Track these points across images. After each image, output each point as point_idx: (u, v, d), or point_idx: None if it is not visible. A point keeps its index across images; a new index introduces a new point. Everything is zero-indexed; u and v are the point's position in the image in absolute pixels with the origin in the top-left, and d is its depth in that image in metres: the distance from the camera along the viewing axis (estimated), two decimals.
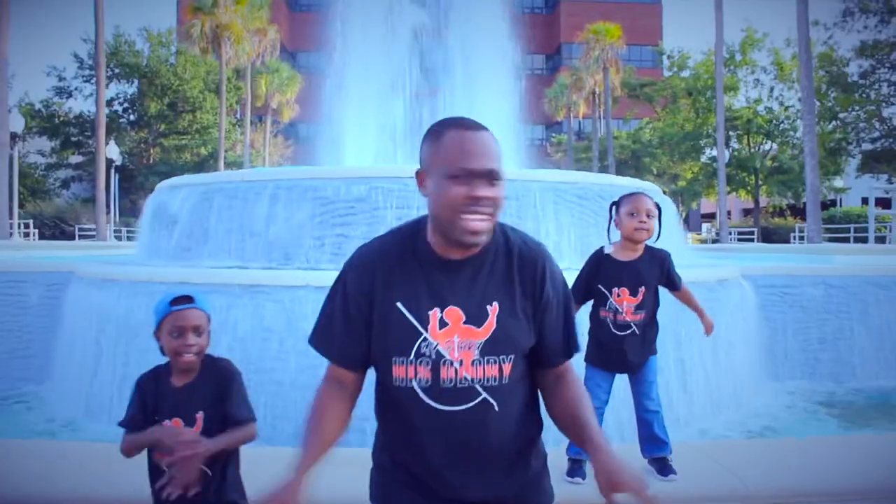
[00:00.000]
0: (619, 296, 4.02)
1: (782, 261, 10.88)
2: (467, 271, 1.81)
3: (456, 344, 1.78)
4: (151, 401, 2.62)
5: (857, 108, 33.55)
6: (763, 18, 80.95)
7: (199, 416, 2.61)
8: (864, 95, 33.11)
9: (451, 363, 1.78)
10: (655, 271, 4.07)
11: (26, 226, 29.01)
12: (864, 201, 41.51)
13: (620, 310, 4.00)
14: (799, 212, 41.34)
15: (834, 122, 34.77)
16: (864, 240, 28.81)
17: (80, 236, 29.96)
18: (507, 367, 1.81)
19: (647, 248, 4.10)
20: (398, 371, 1.81)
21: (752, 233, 35.96)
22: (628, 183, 8.47)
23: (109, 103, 43.09)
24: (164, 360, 2.73)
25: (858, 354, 8.48)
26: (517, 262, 1.84)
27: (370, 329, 1.83)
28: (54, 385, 7.29)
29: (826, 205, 37.72)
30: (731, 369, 6.98)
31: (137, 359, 5.85)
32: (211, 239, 7.23)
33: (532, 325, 1.84)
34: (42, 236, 30.53)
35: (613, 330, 4.04)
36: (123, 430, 2.63)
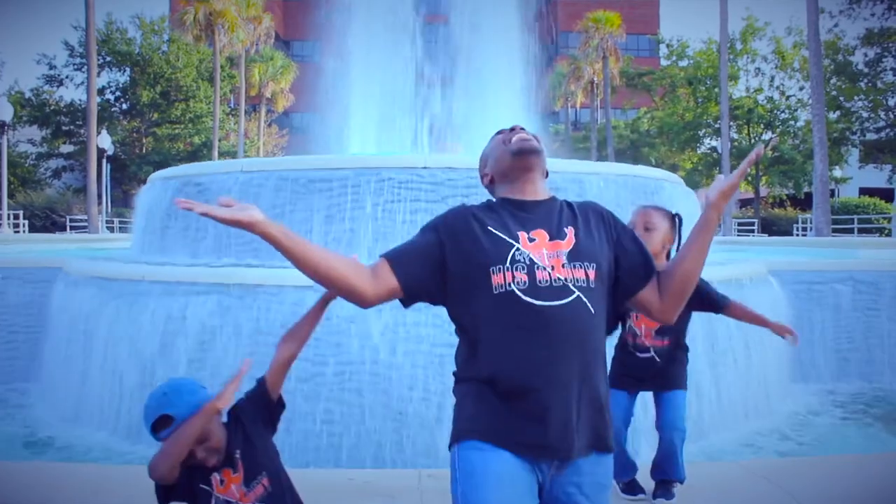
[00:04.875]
0: (637, 318, 3.69)
1: (803, 255, 10.49)
2: (542, 209, 2.13)
3: (545, 254, 2.02)
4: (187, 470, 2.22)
5: (862, 97, 33.08)
6: (764, 6, 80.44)
7: (237, 454, 2.30)
8: (869, 84, 32.66)
9: (544, 268, 2.00)
10: None
11: (16, 216, 28.41)
12: (862, 192, 41.22)
13: (639, 333, 3.69)
14: (799, 202, 41.01)
15: (837, 112, 34.35)
16: (868, 231, 28.53)
17: (72, 227, 29.39)
18: (591, 273, 2.03)
19: None
20: (497, 279, 1.99)
21: (752, 223, 35.62)
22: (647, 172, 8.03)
23: (101, 92, 42.42)
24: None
25: (889, 353, 8.10)
26: (579, 209, 2.17)
27: (441, 270, 2.05)
28: (41, 387, 6.87)
29: None
30: (762, 372, 6.62)
31: (129, 362, 5.48)
32: None
33: (609, 248, 2.12)
34: (33, 227, 29.98)
35: (633, 352, 3.73)
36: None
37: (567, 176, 6.46)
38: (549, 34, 63.09)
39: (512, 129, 2.23)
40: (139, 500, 2.53)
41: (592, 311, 2.00)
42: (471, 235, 2.05)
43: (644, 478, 3.84)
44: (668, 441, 3.78)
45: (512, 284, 1.97)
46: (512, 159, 2.16)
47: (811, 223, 24.92)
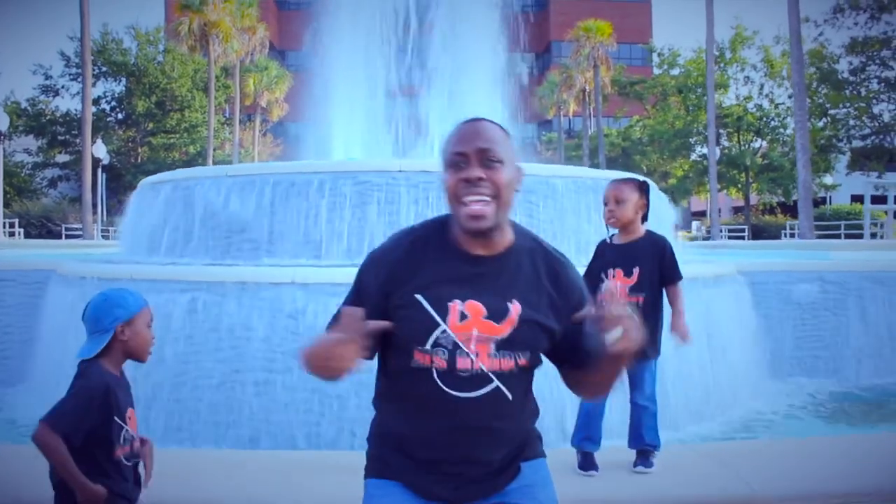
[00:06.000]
0: (612, 276, 3.87)
1: (777, 257, 10.75)
2: (492, 267, 1.85)
3: (474, 336, 1.82)
4: (115, 403, 2.39)
5: (847, 104, 33.50)
6: (752, 15, 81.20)
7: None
8: (854, 92, 33.08)
9: (468, 354, 1.81)
10: (650, 252, 3.93)
11: (11, 225, 28.64)
12: (854, 198, 41.54)
13: (613, 292, 3.79)
14: (789, 209, 41.32)
15: (824, 119, 34.74)
16: (856, 237, 28.79)
17: (67, 236, 29.59)
18: (522, 360, 1.86)
19: (648, 232, 4.00)
20: (417, 356, 1.84)
21: (742, 230, 35.93)
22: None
23: (97, 102, 42.68)
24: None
25: (856, 351, 8.34)
26: (544, 265, 1.89)
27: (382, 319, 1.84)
28: (30, 387, 7.07)
29: (816, 202, 37.76)
30: (728, 368, 6.82)
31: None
32: None
33: (561, 326, 1.89)
34: (28, 236, 30.13)
35: None
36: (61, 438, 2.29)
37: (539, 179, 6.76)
38: (540, 43, 63.48)
39: (467, 180, 1.80)
40: None
41: (510, 398, 1.86)
42: (401, 298, 1.85)
43: (606, 453, 4.05)
44: (643, 409, 3.97)
45: (431, 366, 1.83)
46: (460, 221, 1.84)
47: (798, 229, 25.24)
